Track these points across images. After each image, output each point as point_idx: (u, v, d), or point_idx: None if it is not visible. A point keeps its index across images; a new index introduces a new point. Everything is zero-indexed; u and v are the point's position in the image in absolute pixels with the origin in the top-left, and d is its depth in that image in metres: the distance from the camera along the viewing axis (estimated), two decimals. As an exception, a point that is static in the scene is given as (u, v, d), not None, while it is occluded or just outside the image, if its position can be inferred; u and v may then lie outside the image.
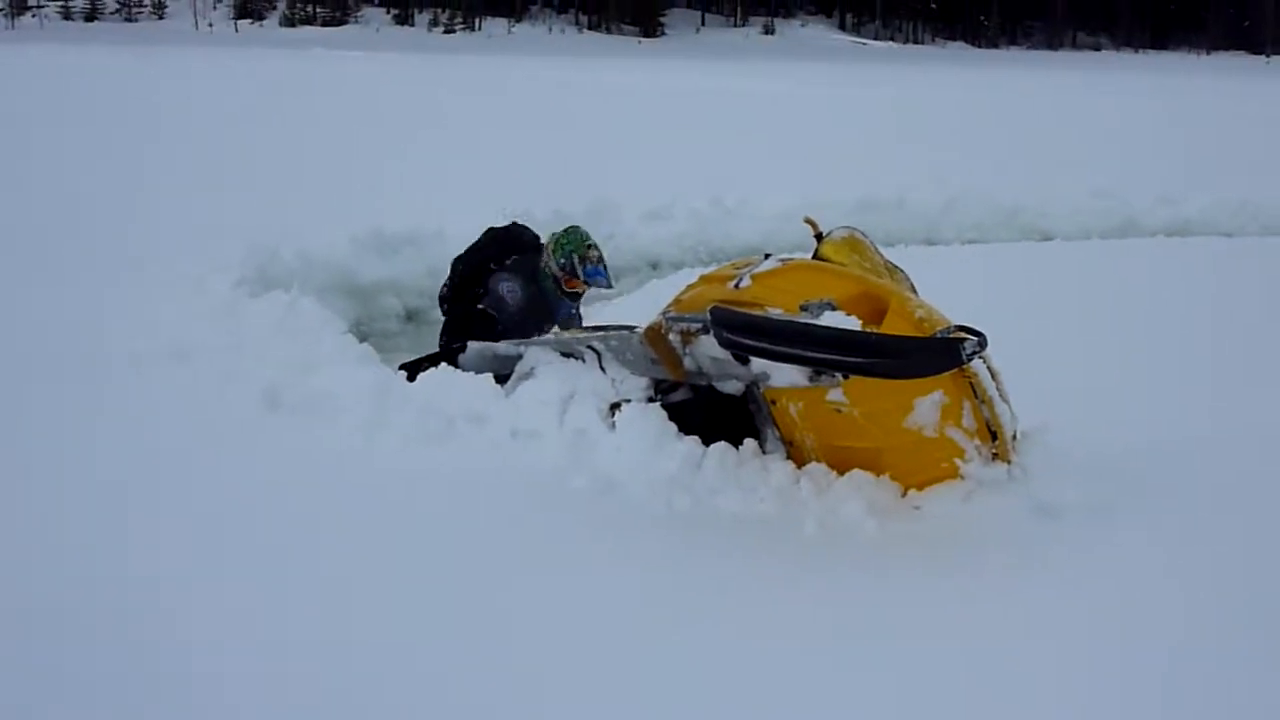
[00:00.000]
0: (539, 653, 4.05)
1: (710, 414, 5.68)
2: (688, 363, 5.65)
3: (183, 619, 4.20)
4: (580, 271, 7.29)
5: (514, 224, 7.76)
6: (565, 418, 5.71)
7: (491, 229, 7.74)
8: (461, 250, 7.72)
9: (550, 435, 5.64)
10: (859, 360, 4.77)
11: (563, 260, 7.29)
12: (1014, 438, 5.20)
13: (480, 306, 7.33)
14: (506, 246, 7.55)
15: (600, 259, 7.36)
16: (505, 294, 7.29)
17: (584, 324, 7.77)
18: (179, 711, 3.68)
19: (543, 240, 7.57)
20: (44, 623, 4.16)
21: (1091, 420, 5.98)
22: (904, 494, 5.11)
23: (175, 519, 5.00)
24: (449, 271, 7.74)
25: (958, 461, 5.06)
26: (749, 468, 5.32)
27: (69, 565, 4.58)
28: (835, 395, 5.03)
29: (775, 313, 5.05)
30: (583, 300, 7.78)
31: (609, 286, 7.53)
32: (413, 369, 6.74)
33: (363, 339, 7.54)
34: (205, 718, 3.66)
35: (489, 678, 3.88)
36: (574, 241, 7.31)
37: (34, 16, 60.42)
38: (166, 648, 4.02)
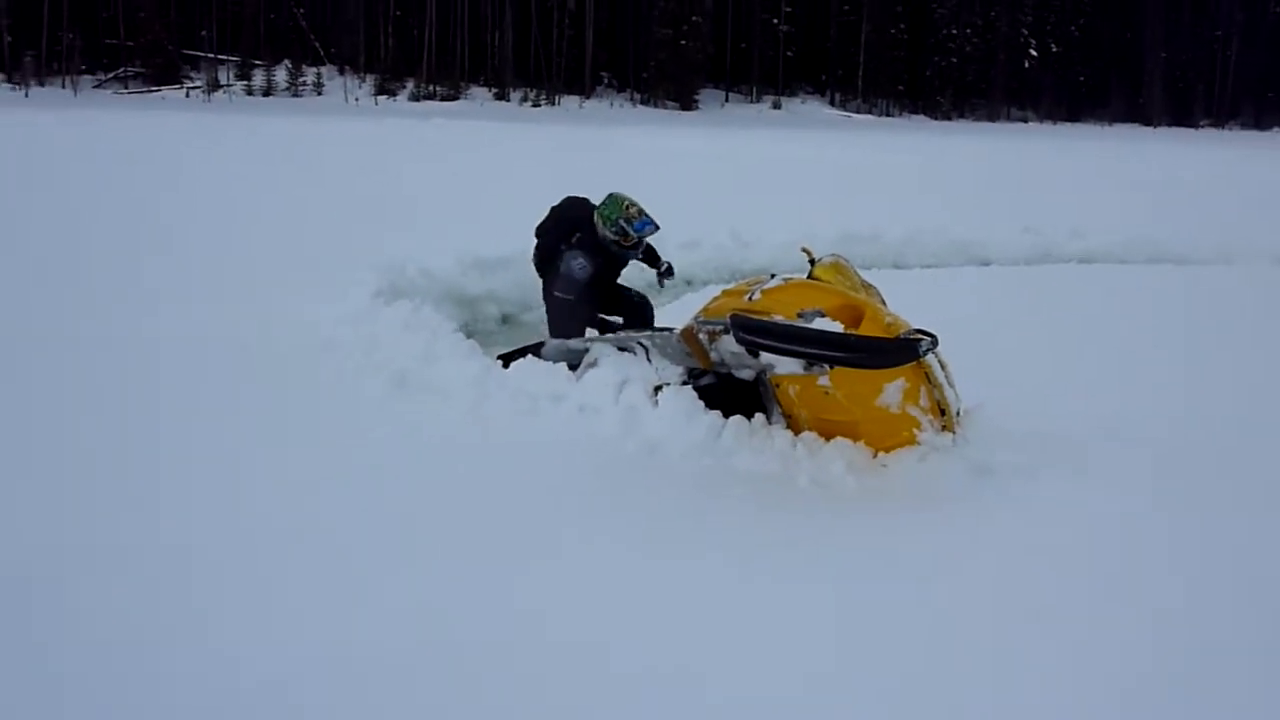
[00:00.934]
0: (597, 570, 4.12)
1: (729, 394, 5.72)
2: (713, 355, 5.69)
3: (328, 550, 4.27)
4: (630, 229, 7.03)
5: (570, 200, 7.46)
6: (620, 397, 5.75)
7: (555, 208, 7.48)
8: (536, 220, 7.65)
9: (609, 411, 5.67)
10: (842, 355, 4.82)
11: (612, 227, 7.05)
12: (958, 414, 5.22)
13: (557, 294, 7.28)
14: (570, 225, 7.34)
15: (640, 212, 7.07)
16: (576, 271, 7.13)
17: (664, 269, 7.80)
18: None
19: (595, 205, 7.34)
20: (206, 555, 4.22)
21: (1020, 401, 5.98)
22: (875, 456, 5.13)
23: (327, 471, 5.07)
24: (535, 240, 7.61)
25: (916, 432, 5.09)
26: (758, 435, 5.35)
27: (235, 504, 4.66)
28: (824, 380, 5.08)
29: (778, 319, 5.08)
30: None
31: (656, 229, 7.14)
32: (507, 359, 6.76)
33: (469, 337, 7.53)
34: (351, 629, 3.70)
35: (563, 586, 3.95)
36: (615, 208, 7.06)
37: (224, 93, 60.77)
38: (321, 571, 4.08)
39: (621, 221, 7.01)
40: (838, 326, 4.90)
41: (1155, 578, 4.15)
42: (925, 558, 4.30)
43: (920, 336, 4.83)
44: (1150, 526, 4.61)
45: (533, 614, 3.77)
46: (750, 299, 5.45)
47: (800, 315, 5.10)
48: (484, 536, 4.39)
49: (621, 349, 6.24)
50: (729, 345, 5.39)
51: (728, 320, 5.22)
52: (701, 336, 5.70)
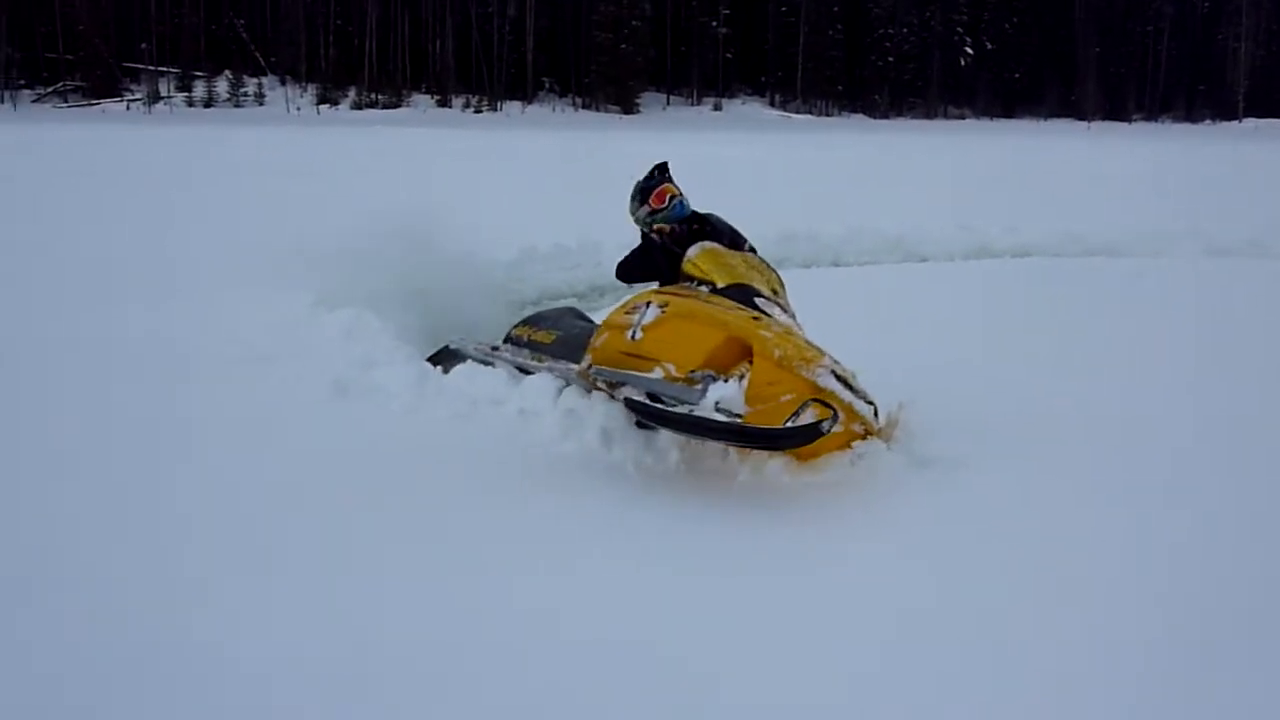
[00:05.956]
0: (539, 559, 4.15)
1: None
2: (617, 395, 5.53)
3: (267, 549, 4.26)
4: (641, 184, 6.19)
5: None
6: (559, 401, 5.74)
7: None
8: None
9: (549, 414, 5.67)
10: (745, 444, 4.88)
11: (636, 206, 6.23)
12: (878, 416, 5.15)
13: None
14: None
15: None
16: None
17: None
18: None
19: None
20: (166, 544, 4.18)
21: (956, 394, 6.02)
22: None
23: (267, 474, 5.06)
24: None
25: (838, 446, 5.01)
26: (695, 441, 5.22)
27: (187, 499, 4.62)
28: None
29: (672, 393, 5.08)
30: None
31: (663, 174, 6.21)
32: (433, 360, 6.93)
33: (408, 343, 7.51)
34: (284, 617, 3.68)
35: (516, 587, 3.95)
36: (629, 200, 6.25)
37: (165, 104, 60.25)
38: (256, 569, 4.05)
39: (632, 196, 6.23)
40: (738, 395, 4.85)
41: (1098, 569, 4.17)
42: (856, 544, 4.36)
43: (824, 415, 4.71)
44: (1092, 517, 4.62)
45: (495, 613, 3.77)
46: (633, 337, 5.41)
47: (691, 377, 5.07)
48: (433, 538, 4.39)
49: (524, 371, 6.25)
50: (631, 393, 5.32)
51: (621, 398, 5.28)
52: (600, 384, 5.65)
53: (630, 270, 6.58)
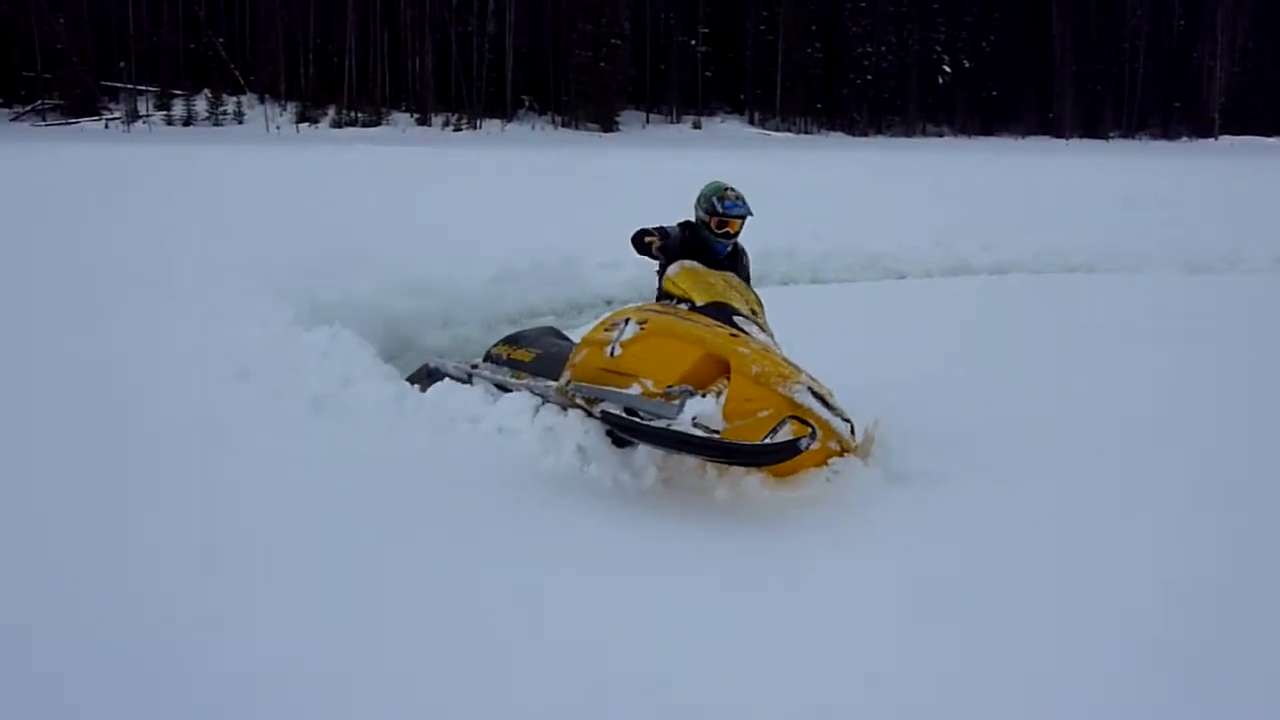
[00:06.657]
0: (513, 571, 4.17)
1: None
2: (595, 410, 5.55)
3: (250, 564, 4.24)
4: (720, 207, 6.17)
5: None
6: (536, 419, 5.73)
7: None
8: None
9: (526, 431, 5.66)
10: (724, 460, 4.87)
11: (704, 205, 6.28)
12: (852, 431, 5.16)
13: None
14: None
15: (737, 196, 6.26)
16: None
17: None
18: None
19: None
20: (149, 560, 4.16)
21: (933, 411, 6.04)
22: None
23: (246, 492, 5.04)
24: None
25: (815, 465, 5.03)
26: (672, 458, 5.27)
27: (170, 518, 4.60)
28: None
29: (650, 407, 5.09)
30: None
31: (744, 215, 6.28)
32: (412, 380, 6.90)
33: (387, 361, 7.51)
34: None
35: (483, 578, 3.97)
36: (711, 189, 6.33)
37: (144, 123, 60.05)
38: (238, 580, 4.03)
39: (714, 200, 6.29)
40: (715, 411, 4.88)
41: (1077, 583, 4.20)
42: (832, 558, 4.38)
43: (801, 432, 4.76)
44: (1068, 531, 4.66)
45: (481, 627, 3.79)
46: (611, 354, 5.42)
47: (669, 392, 5.08)
48: (407, 551, 4.39)
49: (503, 389, 6.25)
50: (609, 408, 5.34)
51: (599, 412, 5.29)
52: (579, 401, 5.66)
53: (640, 240, 6.46)
